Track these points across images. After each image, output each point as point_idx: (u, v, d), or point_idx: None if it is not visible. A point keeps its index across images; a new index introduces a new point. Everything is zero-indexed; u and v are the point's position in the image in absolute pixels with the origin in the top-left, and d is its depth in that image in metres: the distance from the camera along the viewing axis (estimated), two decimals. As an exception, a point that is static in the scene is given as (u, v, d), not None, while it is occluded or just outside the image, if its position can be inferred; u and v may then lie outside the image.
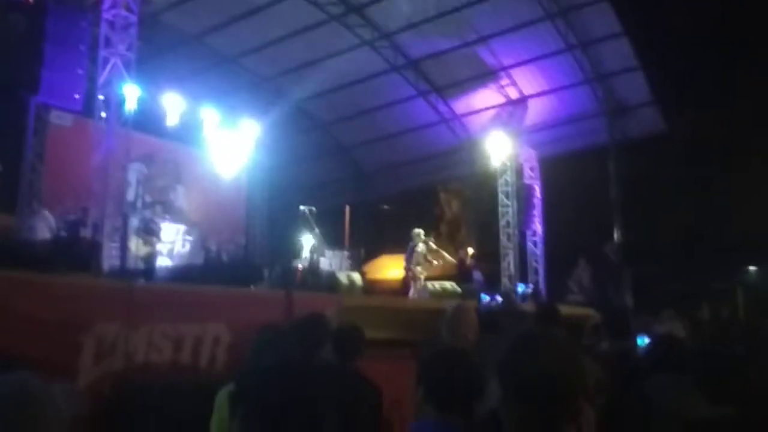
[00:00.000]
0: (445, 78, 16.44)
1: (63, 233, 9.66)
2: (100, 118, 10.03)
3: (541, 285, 15.25)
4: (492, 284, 13.69)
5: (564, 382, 1.48)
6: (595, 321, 6.81)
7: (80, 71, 9.70)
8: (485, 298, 9.99)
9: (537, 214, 15.86)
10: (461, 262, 12.86)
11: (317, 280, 10.02)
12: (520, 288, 14.27)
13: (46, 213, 9.99)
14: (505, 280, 15.18)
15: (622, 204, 15.28)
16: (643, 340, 5.29)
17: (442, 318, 3.96)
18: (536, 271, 15.60)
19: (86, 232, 9.38)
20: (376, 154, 18.88)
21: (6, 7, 9.85)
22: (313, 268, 11.32)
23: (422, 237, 11.33)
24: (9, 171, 10.38)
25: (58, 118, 11.92)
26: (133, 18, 9.90)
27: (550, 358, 1.51)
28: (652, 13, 13.12)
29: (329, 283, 9.32)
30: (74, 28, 9.63)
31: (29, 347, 3.40)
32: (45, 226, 9.65)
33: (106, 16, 9.76)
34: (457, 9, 13.95)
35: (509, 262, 15.57)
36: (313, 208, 12.57)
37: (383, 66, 16.05)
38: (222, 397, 3.08)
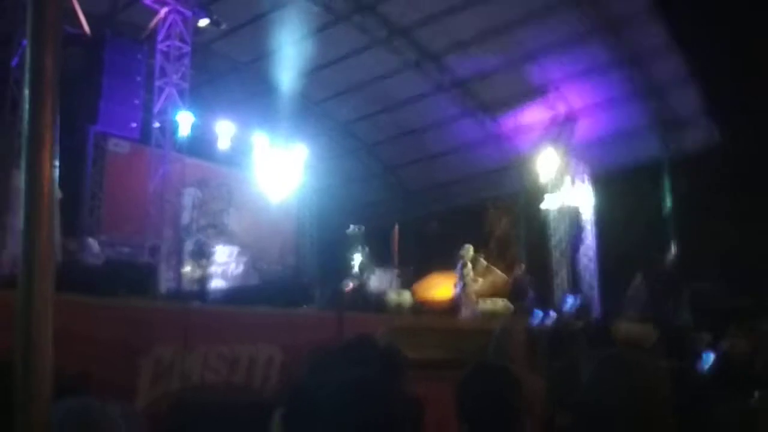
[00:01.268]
0: (493, 96, 16.38)
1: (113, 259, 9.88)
2: (156, 144, 10.37)
3: (596, 301, 14.93)
4: (545, 301, 13.46)
5: (652, 408, 1.44)
6: (654, 339, 6.63)
7: (136, 101, 10.09)
8: (539, 314, 9.85)
9: (590, 230, 15.57)
10: (515, 279, 12.70)
11: (367, 300, 10.04)
12: (570, 300, 14.00)
13: (90, 240, 10.19)
14: (558, 296, 14.92)
15: (678, 219, 14.88)
16: (709, 357, 5.12)
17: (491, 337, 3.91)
18: (591, 289, 15.28)
19: (144, 257, 9.67)
20: (425, 173, 18.90)
21: (65, 40, 10.31)
22: (362, 288, 11.36)
23: (472, 254, 11.25)
24: (70, 198, 10.79)
25: (115, 146, 12.37)
26: (187, 48, 10.25)
27: (639, 384, 1.47)
28: (704, 24, 12.82)
29: (379, 303, 9.34)
30: (130, 60, 10.04)
31: (91, 369, 3.51)
32: (88, 254, 9.86)
33: (161, 47, 10.14)
34: (502, 27, 13.93)
35: (562, 280, 15.31)
36: (362, 228, 12.65)
37: (430, 86, 16.11)
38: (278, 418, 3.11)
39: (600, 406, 1.48)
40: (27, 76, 0.94)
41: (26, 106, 0.94)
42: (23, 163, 0.94)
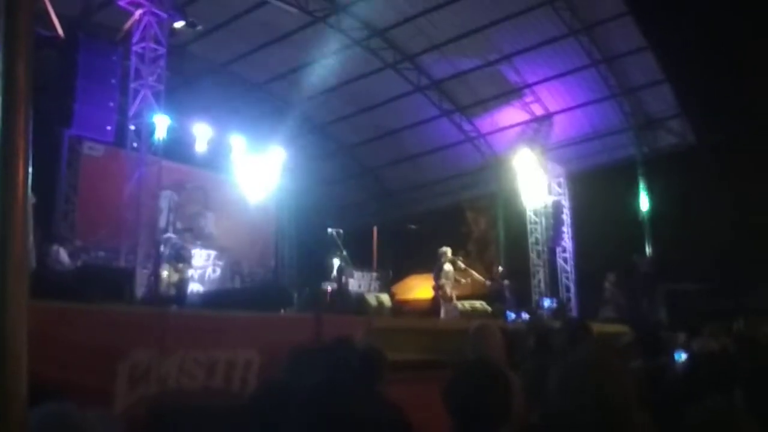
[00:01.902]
0: (469, 97, 16.49)
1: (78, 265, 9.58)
2: (132, 147, 10.27)
3: (573, 301, 15.08)
4: (523, 302, 13.56)
5: (620, 410, 1.46)
6: (629, 338, 6.71)
7: (111, 104, 9.97)
8: (510, 316, 9.92)
9: (566, 230, 15.72)
10: (492, 281, 12.80)
11: (346, 302, 10.05)
12: (546, 302, 14.13)
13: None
14: (536, 298, 15.06)
15: (653, 219, 15.09)
16: (680, 356, 5.19)
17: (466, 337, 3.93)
18: (567, 288, 15.43)
19: (120, 261, 9.55)
20: (402, 174, 18.97)
21: (39, 42, 10.17)
22: (341, 290, 11.36)
23: (450, 256, 11.29)
24: (43, 202, 10.62)
25: (90, 149, 12.23)
26: (162, 50, 10.17)
27: (606, 386, 1.49)
28: (676, 26, 13.03)
29: (358, 305, 9.35)
30: (105, 62, 9.92)
31: (67, 375, 3.48)
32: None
33: (136, 49, 10.05)
34: (479, 28, 14.03)
35: (539, 280, 15.45)
36: (341, 230, 12.65)
37: (407, 87, 16.17)
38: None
39: (567, 408, 1.50)
40: (0, 84, 0.94)
41: (-1, 113, 0.94)
42: (-4, 171, 0.94)
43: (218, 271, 13.64)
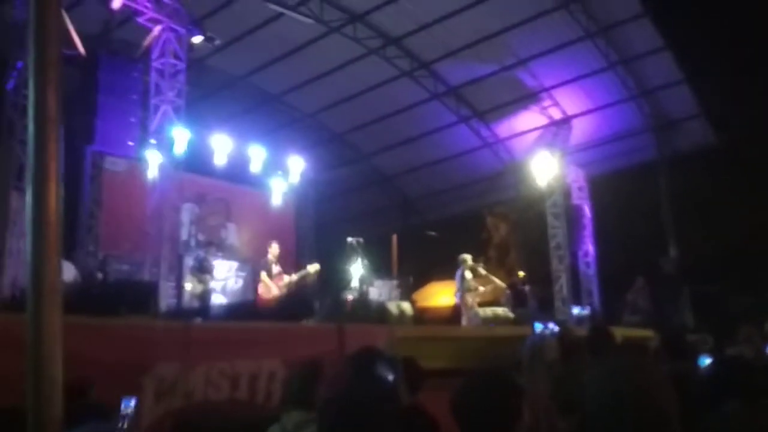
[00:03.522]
0: (487, 102, 16.45)
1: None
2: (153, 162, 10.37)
3: (596, 307, 14.90)
4: (546, 308, 13.41)
5: (655, 416, 1.44)
6: (656, 343, 6.62)
7: (132, 119, 10.12)
8: (538, 327, 9.81)
9: (588, 234, 15.57)
10: (513, 287, 12.68)
11: (367, 311, 10.02)
12: (576, 311, 13.94)
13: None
14: (558, 304, 14.89)
15: (676, 220, 14.92)
16: (704, 361, 5.11)
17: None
18: (590, 293, 15.27)
19: (144, 274, 9.63)
20: (421, 181, 18.95)
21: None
22: (362, 299, 11.34)
23: (470, 262, 11.23)
24: (67, 218, 10.71)
25: (112, 164, 12.35)
26: (181, 65, 10.27)
27: (640, 391, 1.47)
28: (694, 25, 12.90)
29: (379, 314, 9.32)
30: (125, 79, 10.07)
31: (96, 390, 3.51)
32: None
33: (156, 65, 10.16)
34: (494, 34, 14.01)
35: (562, 285, 15.27)
36: (361, 239, 12.64)
37: (424, 95, 16.18)
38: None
39: (601, 415, 1.48)
40: (31, 112, 0.95)
41: (31, 140, 0.95)
42: (29, 196, 0.95)
43: (240, 282, 13.68)
